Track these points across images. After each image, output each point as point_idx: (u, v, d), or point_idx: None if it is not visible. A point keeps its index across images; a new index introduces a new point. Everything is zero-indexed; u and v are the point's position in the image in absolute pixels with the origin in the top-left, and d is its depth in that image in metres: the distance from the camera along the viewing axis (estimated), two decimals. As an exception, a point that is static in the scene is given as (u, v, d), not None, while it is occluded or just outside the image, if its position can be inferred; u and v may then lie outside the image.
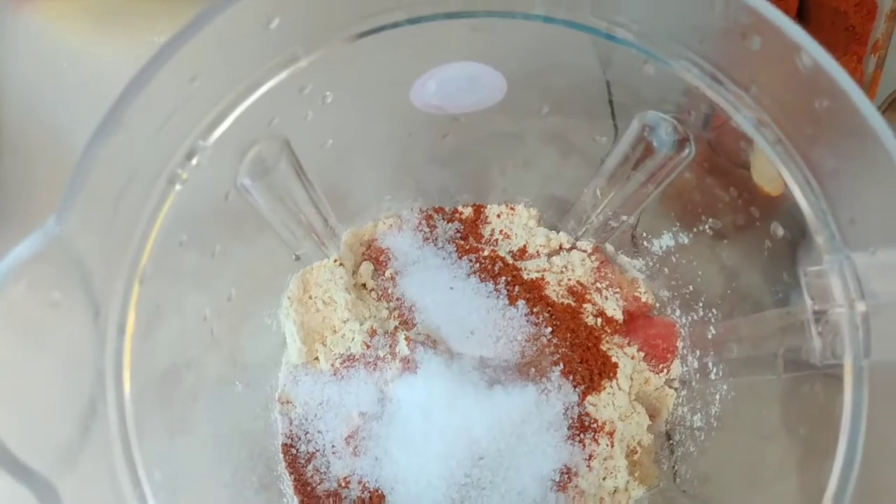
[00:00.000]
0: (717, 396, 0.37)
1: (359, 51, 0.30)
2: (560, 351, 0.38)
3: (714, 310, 0.38)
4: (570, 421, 0.37)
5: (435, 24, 0.30)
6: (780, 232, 0.32)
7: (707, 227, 0.36)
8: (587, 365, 0.38)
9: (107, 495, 0.24)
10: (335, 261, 0.42)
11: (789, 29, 0.25)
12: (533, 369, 0.38)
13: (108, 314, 0.26)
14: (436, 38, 0.32)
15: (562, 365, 0.38)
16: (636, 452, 0.39)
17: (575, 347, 0.39)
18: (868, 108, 0.25)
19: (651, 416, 0.40)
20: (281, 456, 0.40)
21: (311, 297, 0.42)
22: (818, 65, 0.25)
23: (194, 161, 0.28)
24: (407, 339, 0.39)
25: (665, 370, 0.41)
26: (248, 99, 0.28)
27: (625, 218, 0.41)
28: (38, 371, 0.23)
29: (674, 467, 0.39)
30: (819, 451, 0.28)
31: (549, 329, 0.39)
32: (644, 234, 0.41)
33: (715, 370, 0.38)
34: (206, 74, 0.26)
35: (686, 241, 0.38)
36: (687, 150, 0.33)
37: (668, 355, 0.41)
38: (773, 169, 0.35)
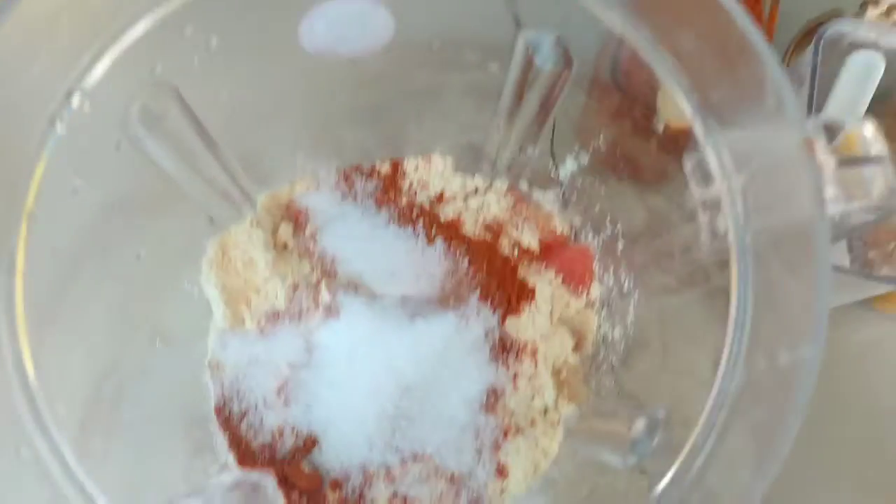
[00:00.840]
0: (631, 305, 0.38)
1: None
2: (477, 279, 0.39)
3: (619, 224, 0.39)
4: (492, 343, 0.37)
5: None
6: (661, 127, 0.33)
7: (601, 140, 0.37)
8: (504, 289, 0.39)
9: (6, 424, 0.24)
10: (251, 221, 0.43)
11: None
12: (452, 298, 0.38)
13: (-2, 250, 0.26)
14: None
15: (479, 290, 0.38)
16: (562, 372, 0.39)
17: (492, 275, 0.39)
18: (715, -17, 0.26)
19: (577, 339, 0.41)
20: (214, 416, 0.40)
21: (230, 260, 0.42)
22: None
23: (75, 103, 0.28)
24: (329, 286, 0.40)
25: (585, 293, 0.42)
26: (123, 38, 0.28)
27: (531, 150, 0.41)
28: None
29: (602, 382, 0.40)
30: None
31: (467, 261, 0.40)
32: (552, 163, 0.42)
33: (627, 282, 0.39)
34: (73, 10, 0.26)
35: (585, 161, 0.39)
36: (571, 65, 0.34)
37: (586, 278, 0.42)
38: (678, 108, 0.37)
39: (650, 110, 0.36)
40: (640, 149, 0.38)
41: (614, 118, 0.37)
